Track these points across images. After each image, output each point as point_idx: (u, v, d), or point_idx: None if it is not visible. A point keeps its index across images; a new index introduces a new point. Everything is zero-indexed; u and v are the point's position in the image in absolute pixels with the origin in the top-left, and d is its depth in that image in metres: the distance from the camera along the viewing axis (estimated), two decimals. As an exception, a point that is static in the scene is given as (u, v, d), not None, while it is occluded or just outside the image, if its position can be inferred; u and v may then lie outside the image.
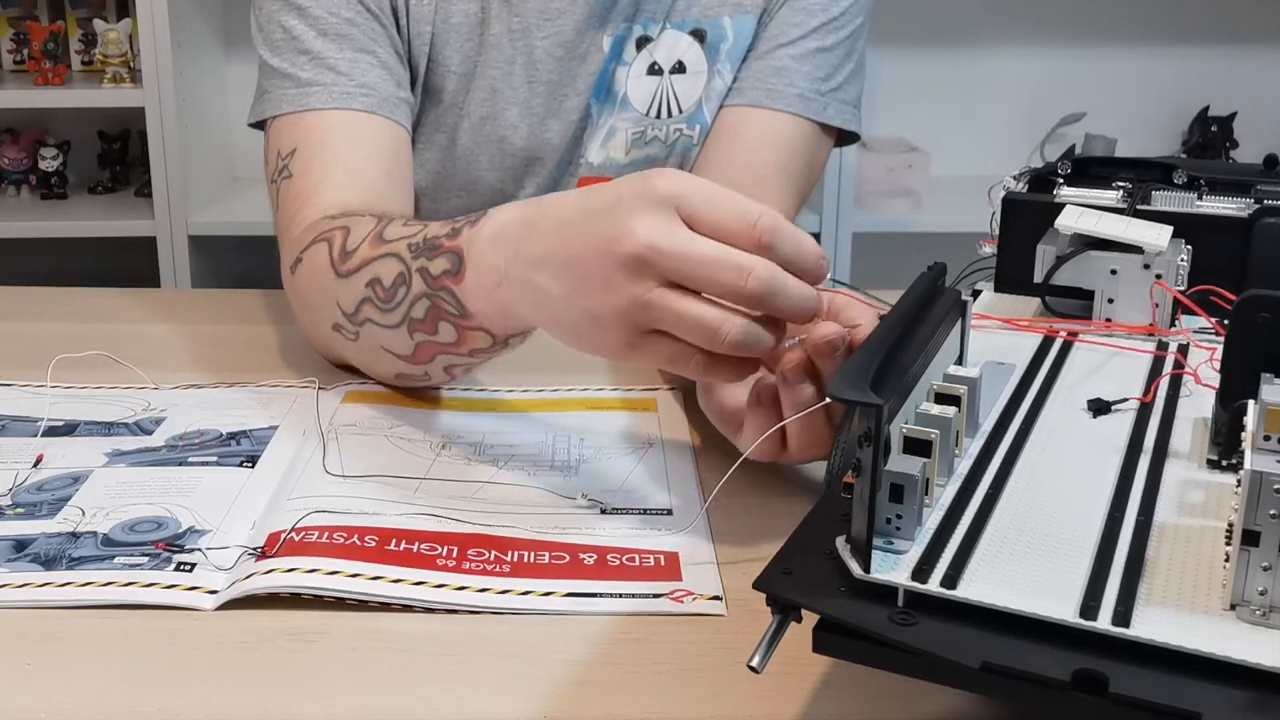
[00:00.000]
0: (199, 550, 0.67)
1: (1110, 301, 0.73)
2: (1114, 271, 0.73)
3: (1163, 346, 0.70)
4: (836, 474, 0.61)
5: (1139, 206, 0.77)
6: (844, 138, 1.15)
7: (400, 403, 0.86)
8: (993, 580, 0.49)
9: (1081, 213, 0.74)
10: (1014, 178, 0.81)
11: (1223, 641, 0.45)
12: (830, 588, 0.50)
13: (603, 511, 0.72)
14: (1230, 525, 0.48)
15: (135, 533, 0.69)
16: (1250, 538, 0.47)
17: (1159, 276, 0.72)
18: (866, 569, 0.49)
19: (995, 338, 0.71)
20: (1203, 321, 0.71)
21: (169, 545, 0.67)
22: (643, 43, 1.11)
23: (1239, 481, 0.47)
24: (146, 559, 0.66)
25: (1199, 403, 0.64)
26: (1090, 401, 0.64)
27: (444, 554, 0.66)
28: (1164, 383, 0.66)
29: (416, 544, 0.67)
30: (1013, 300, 0.78)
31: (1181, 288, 0.72)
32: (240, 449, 0.79)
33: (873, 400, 0.49)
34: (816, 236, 2.35)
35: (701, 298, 0.63)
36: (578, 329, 0.68)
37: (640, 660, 0.59)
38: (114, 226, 2.39)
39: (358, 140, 1.01)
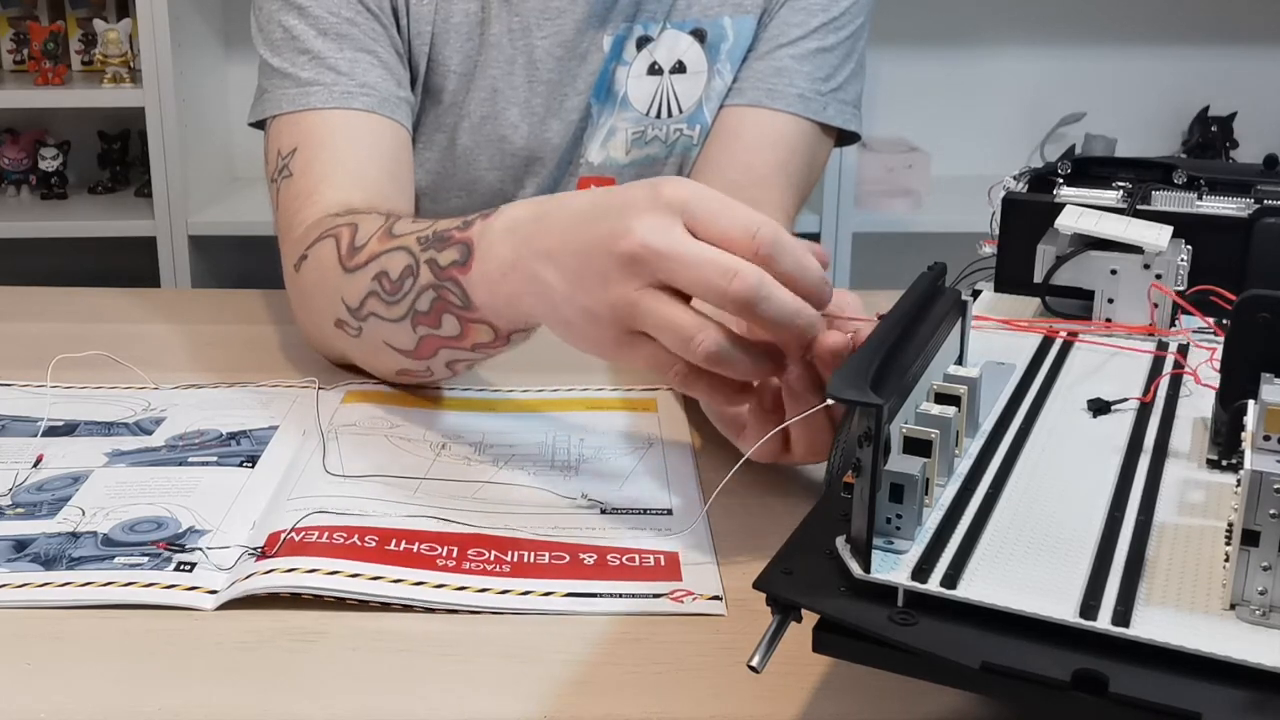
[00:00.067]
0: (200, 550, 0.67)
1: (1110, 301, 0.73)
2: (1114, 271, 0.73)
3: (1163, 346, 0.70)
4: (836, 474, 0.61)
5: (1139, 206, 0.77)
6: (844, 138, 1.15)
7: (400, 402, 0.86)
8: (993, 580, 0.49)
9: (1081, 213, 0.74)
10: (1014, 178, 0.81)
11: (1223, 641, 0.45)
12: (830, 588, 0.50)
13: (603, 511, 0.72)
14: (1230, 525, 0.48)
15: (135, 533, 0.69)
16: (1250, 538, 0.47)
17: (1159, 277, 0.72)
18: (866, 569, 0.49)
19: (995, 338, 0.71)
20: (1202, 321, 0.71)
21: (170, 544, 0.67)
22: (643, 42, 1.11)
23: (1239, 481, 0.47)
24: (146, 559, 0.66)
25: (1199, 403, 0.64)
26: (1090, 401, 0.64)
27: (444, 554, 0.66)
28: (1164, 383, 0.66)
29: (416, 544, 0.67)
30: (1013, 300, 0.78)
31: (1181, 288, 0.72)
32: (240, 449, 0.79)
33: (873, 400, 0.49)
34: (816, 236, 2.36)
35: (689, 306, 0.64)
36: (573, 324, 0.68)
37: (640, 660, 0.59)
38: (114, 226, 2.39)
39: (358, 140, 1.01)
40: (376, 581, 0.63)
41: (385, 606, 0.62)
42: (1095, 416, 0.63)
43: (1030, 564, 0.50)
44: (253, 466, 0.77)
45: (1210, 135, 2.58)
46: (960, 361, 0.65)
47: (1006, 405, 0.64)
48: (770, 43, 1.10)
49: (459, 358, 0.80)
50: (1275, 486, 0.46)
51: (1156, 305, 0.72)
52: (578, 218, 0.68)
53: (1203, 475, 0.58)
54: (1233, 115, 2.58)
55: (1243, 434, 0.50)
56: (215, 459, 0.78)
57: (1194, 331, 0.71)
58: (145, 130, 2.29)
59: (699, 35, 1.11)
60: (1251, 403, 0.50)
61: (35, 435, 0.81)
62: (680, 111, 1.12)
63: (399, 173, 1.03)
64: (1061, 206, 0.75)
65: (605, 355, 0.69)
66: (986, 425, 0.61)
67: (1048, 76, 2.62)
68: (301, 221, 0.95)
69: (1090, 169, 0.81)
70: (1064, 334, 0.72)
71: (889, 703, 0.55)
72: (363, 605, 0.62)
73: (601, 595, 0.63)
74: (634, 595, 0.63)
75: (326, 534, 0.67)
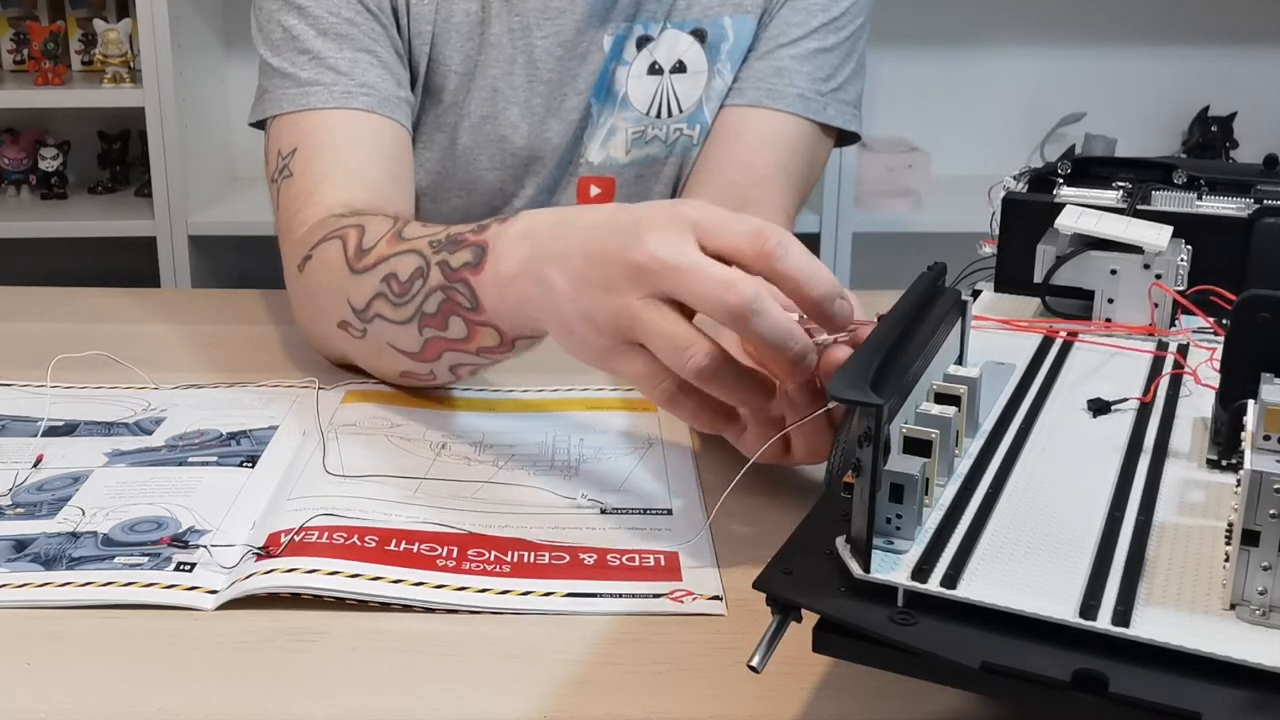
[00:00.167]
0: (203, 548, 0.67)
1: (1110, 301, 0.73)
2: (1114, 271, 0.73)
3: (1163, 346, 0.70)
4: (836, 474, 0.61)
5: (1139, 206, 0.77)
6: (844, 138, 1.15)
7: (400, 402, 0.86)
8: (993, 580, 0.49)
9: (1081, 213, 0.74)
10: (1014, 178, 0.81)
11: (1223, 641, 0.45)
12: (830, 588, 0.50)
13: (603, 511, 0.72)
14: (1230, 525, 0.48)
15: (135, 533, 0.69)
16: (1250, 537, 0.47)
17: (1159, 276, 0.72)
18: (866, 569, 0.49)
19: (995, 338, 0.71)
20: (1202, 321, 0.71)
21: (174, 541, 0.67)
22: (643, 42, 1.11)
23: (1239, 481, 0.47)
24: (146, 559, 0.66)
25: (1199, 403, 0.64)
26: (1090, 401, 0.64)
27: (444, 554, 0.66)
28: (1164, 383, 0.66)
29: (416, 544, 0.67)
30: (1013, 300, 0.78)
31: (1181, 288, 0.72)
32: (240, 449, 0.79)
33: (873, 400, 0.49)
34: (816, 236, 2.36)
35: (689, 321, 0.64)
36: (571, 327, 0.69)
37: (640, 660, 0.59)
38: (114, 226, 2.39)
39: (358, 139, 1.01)
40: (376, 582, 0.63)
41: (385, 606, 0.62)
42: (1095, 416, 0.63)
43: (1030, 564, 0.50)
44: (253, 466, 0.77)
45: (1210, 135, 2.58)
46: (960, 361, 0.65)
47: (1006, 405, 0.64)
48: (770, 43, 1.10)
49: (463, 361, 0.81)
50: (1275, 486, 0.46)
51: (1156, 305, 0.72)
52: (595, 228, 0.69)
53: (1203, 475, 0.58)
54: (1233, 115, 2.58)
55: (1243, 434, 0.50)
56: (215, 459, 0.78)
57: (1194, 331, 0.71)
58: (145, 130, 2.29)
59: (699, 35, 1.11)
60: (1251, 403, 0.50)
61: (35, 435, 0.81)
62: (680, 111, 1.13)
63: (399, 173, 1.04)
64: (1061, 206, 0.75)
65: (597, 363, 0.69)
66: (986, 425, 0.61)
67: (1048, 76, 2.62)
68: (304, 221, 0.95)
69: (1090, 169, 0.81)
70: (1064, 334, 0.72)
71: (889, 703, 0.55)
72: (363, 605, 0.62)
73: (601, 595, 0.63)
74: (634, 595, 0.63)
75: (326, 534, 0.67)
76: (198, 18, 2.38)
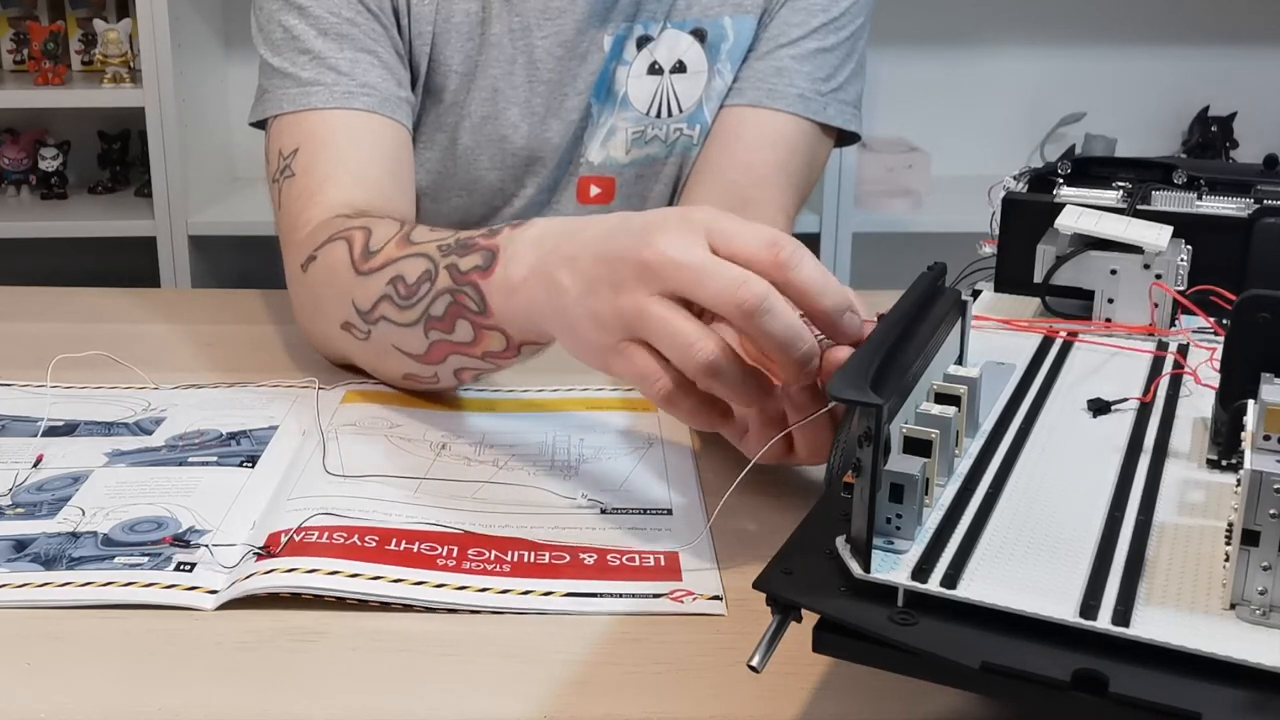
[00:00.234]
0: (205, 547, 0.67)
1: (1110, 301, 0.73)
2: (1114, 271, 0.73)
3: (1162, 346, 0.70)
4: (836, 474, 0.61)
5: (1139, 206, 0.77)
6: (844, 138, 1.15)
7: (400, 403, 0.86)
8: (993, 580, 0.49)
9: (1081, 213, 0.74)
10: (1014, 178, 0.81)
11: (1223, 641, 0.45)
12: (830, 588, 0.50)
13: (603, 511, 0.72)
14: (1230, 525, 0.48)
15: (135, 533, 0.69)
16: (1250, 537, 0.47)
17: (1159, 276, 0.72)
18: (866, 569, 0.49)
19: (995, 338, 0.71)
20: (1202, 321, 0.71)
21: (175, 540, 0.67)
22: (643, 42, 1.11)
23: (1239, 481, 0.47)
24: (146, 559, 0.66)
25: (1199, 403, 0.64)
26: (1090, 401, 0.64)
27: (444, 554, 0.66)
28: (1164, 383, 0.66)
29: (416, 544, 0.67)
30: (1013, 300, 0.78)
31: (1181, 288, 0.72)
32: (240, 449, 0.79)
33: (873, 400, 0.49)
34: (816, 236, 2.36)
35: (696, 319, 0.64)
36: (576, 328, 0.69)
37: (640, 660, 0.59)
38: (114, 226, 2.39)
39: (359, 140, 1.01)
40: (376, 581, 0.63)
41: (385, 606, 0.62)
42: (1095, 416, 0.63)
43: (1030, 564, 0.50)
44: (253, 466, 0.77)
45: (1210, 135, 2.58)
46: (960, 361, 0.65)
47: (1006, 405, 0.64)
48: (770, 43, 1.10)
49: (468, 365, 0.80)
50: (1275, 486, 0.46)
51: (1156, 305, 0.72)
52: (605, 231, 0.69)
53: (1203, 475, 0.58)
54: (1233, 115, 2.58)
55: (1243, 434, 0.50)
56: (215, 459, 0.78)
57: (1194, 331, 0.71)
58: (145, 130, 2.29)
59: (699, 35, 1.11)
60: (1251, 403, 0.50)
61: (35, 435, 0.81)
62: (680, 111, 1.13)
63: (400, 172, 1.04)
64: (1061, 206, 0.75)
65: (599, 362, 0.69)
66: (986, 425, 0.61)
67: (1048, 76, 2.62)
68: (306, 222, 0.95)
69: (1090, 169, 0.81)
70: (1064, 334, 0.72)
71: (889, 703, 0.55)
72: (363, 605, 0.62)
73: (601, 595, 0.63)
74: (634, 595, 0.63)
75: (326, 534, 0.67)
76: (198, 18, 2.38)
